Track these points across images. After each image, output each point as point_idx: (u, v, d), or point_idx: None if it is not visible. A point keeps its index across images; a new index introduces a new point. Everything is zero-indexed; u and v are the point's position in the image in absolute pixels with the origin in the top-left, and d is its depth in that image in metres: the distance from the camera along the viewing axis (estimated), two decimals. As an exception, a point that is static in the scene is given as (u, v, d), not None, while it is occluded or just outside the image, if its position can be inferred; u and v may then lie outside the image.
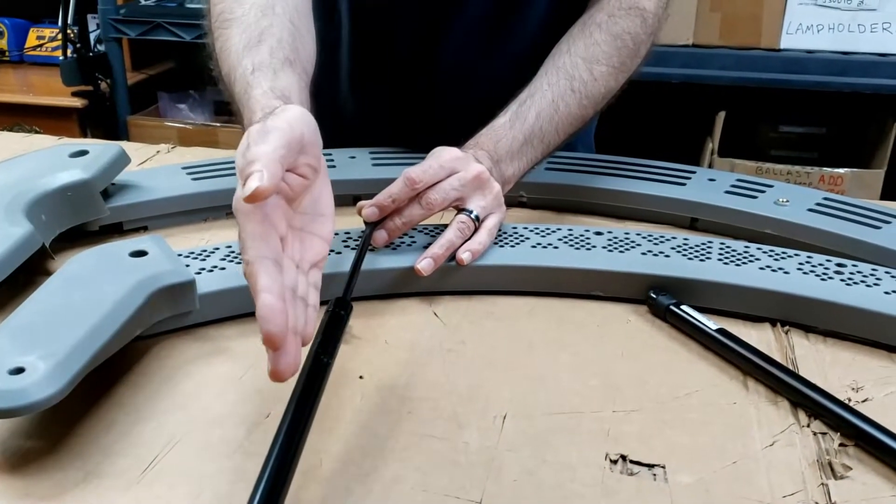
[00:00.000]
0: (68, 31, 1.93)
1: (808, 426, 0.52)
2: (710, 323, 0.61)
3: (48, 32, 2.32)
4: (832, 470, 0.48)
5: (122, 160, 0.78)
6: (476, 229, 0.68)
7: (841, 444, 0.50)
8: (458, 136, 0.74)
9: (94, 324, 0.52)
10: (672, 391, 0.56)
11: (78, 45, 1.91)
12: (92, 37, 2.19)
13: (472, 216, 0.68)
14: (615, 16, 0.76)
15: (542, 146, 0.74)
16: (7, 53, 2.34)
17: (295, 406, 0.45)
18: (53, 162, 0.76)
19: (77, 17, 1.90)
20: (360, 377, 0.56)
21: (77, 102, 1.98)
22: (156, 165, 0.94)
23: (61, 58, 1.92)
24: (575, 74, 0.74)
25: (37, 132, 1.96)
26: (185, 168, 0.85)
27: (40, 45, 2.30)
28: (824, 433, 0.52)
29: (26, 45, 2.34)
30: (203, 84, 2.24)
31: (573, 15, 0.81)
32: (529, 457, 0.49)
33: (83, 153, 0.77)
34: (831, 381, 0.57)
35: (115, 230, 0.77)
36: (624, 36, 0.76)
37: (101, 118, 2.01)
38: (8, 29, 2.33)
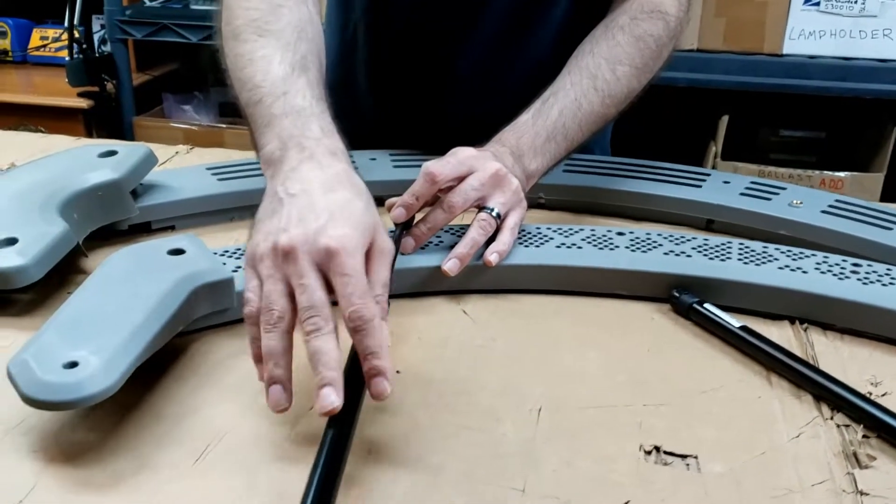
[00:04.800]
0: (73, 32, 1.94)
1: (832, 419, 0.54)
2: (734, 320, 0.63)
3: (51, 33, 2.32)
4: (857, 460, 0.50)
5: (150, 160, 0.79)
6: (498, 227, 0.70)
7: (864, 436, 0.52)
8: (475, 141, 0.75)
9: (141, 320, 0.54)
10: (698, 386, 0.58)
11: (84, 46, 1.92)
12: (96, 37, 2.20)
13: (493, 214, 0.69)
14: (638, 19, 0.78)
15: (566, 142, 0.75)
16: (10, 54, 2.35)
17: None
18: (83, 162, 0.77)
19: (82, 17, 1.90)
20: (398, 372, 0.57)
21: (83, 103, 1.99)
22: (175, 166, 0.95)
23: (67, 58, 1.93)
24: (598, 74, 0.76)
25: (41, 132, 1.97)
26: (209, 168, 0.86)
27: (44, 46, 2.31)
28: (847, 425, 0.54)
29: (30, 46, 2.34)
30: (207, 85, 2.25)
31: (589, 24, 0.83)
32: (566, 448, 0.51)
33: (112, 153, 0.78)
34: (851, 376, 0.59)
35: (143, 229, 0.79)
36: (646, 38, 0.77)
37: (106, 119, 2.02)
38: (11, 29, 2.34)
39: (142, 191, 0.79)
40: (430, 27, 0.87)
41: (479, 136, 0.76)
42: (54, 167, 0.76)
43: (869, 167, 1.81)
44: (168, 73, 2.26)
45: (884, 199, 1.71)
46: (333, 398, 0.45)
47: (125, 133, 2.02)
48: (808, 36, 1.72)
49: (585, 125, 0.76)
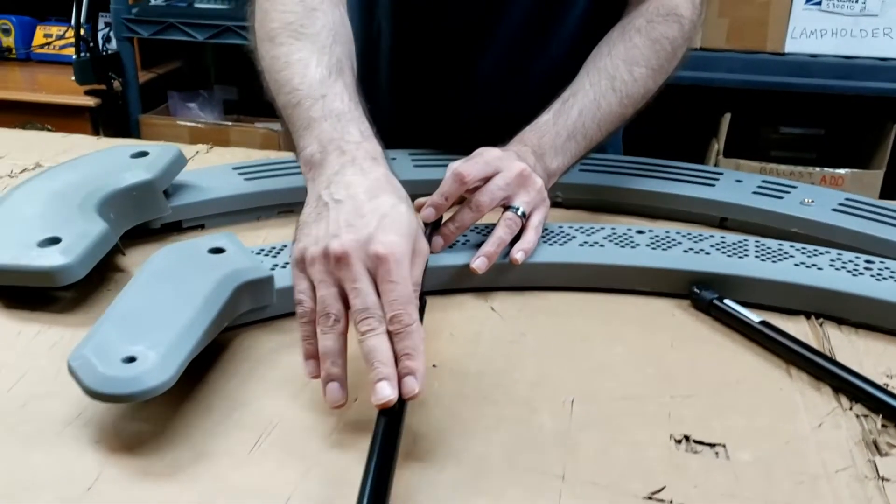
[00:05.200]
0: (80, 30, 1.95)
1: (851, 409, 0.57)
2: (753, 315, 0.66)
3: (55, 30, 2.33)
4: (877, 448, 0.53)
5: (181, 161, 0.81)
6: (523, 225, 0.72)
7: (883, 425, 0.55)
8: (493, 140, 0.77)
9: (191, 316, 0.56)
10: (722, 378, 0.60)
11: (91, 45, 1.93)
12: (100, 35, 2.21)
13: (519, 213, 0.71)
14: (654, 21, 0.80)
15: (585, 142, 0.78)
16: (14, 51, 2.36)
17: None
18: (116, 163, 0.79)
19: (89, 16, 1.92)
20: (434, 366, 0.60)
21: (90, 101, 2.01)
22: (197, 166, 0.97)
23: (74, 57, 1.94)
24: (616, 75, 0.78)
25: (49, 130, 1.98)
26: (235, 168, 0.88)
27: (48, 44, 2.32)
28: (866, 415, 0.56)
29: (33, 43, 2.35)
30: (211, 83, 2.27)
31: (606, 25, 0.85)
32: (600, 437, 0.53)
33: (144, 154, 0.80)
34: (867, 368, 0.61)
35: (174, 228, 0.81)
36: (662, 40, 0.80)
37: (112, 117, 2.03)
38: (15, 27, 2.34)
39: (172, 190, 0.81)
40: (451, 30, 0.89)
41: (497, 136, 0.78)
42: (89, 168, 0.78)
43: (869, 164, 1.84)
44: (172, 71, 2.28)
45: (883, 195, 1.74)
46: (388, 391, 0.48)
47: (131, 131, 2.04)
48: (809, 35, 1.74)
49: (604, 125, 0.78)
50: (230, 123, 2.08)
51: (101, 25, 2.24)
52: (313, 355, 0.53)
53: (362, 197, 0.56)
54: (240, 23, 1.93)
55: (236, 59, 2.27)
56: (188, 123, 2.04)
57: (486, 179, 0.71)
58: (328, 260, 0.54)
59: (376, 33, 0.93)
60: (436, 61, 0.92)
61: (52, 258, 0.65)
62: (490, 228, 0.72)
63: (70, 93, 2.04)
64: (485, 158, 0.72)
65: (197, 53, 2.31)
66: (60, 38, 2.30)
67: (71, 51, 2.08)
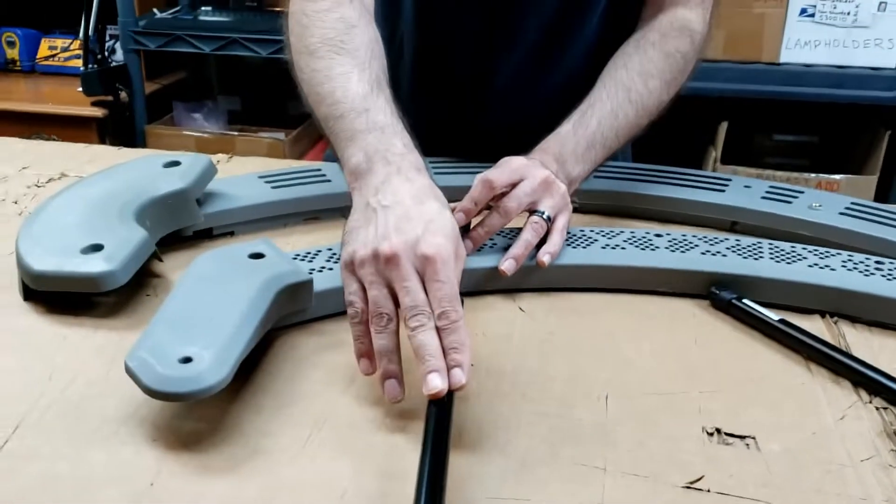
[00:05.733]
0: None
1: (870, 402, 0.60)
2: (772, 314, 0.69)
3: (60, 42, 2.35)
4: (898, 438, 0.56)
5: (211, 170, 0.84)
6: (548, 229, 0.75)
7: (903, 417, 0.58)
8: (509, 150, 0.79)
9: (239, 318, 0.58)
10: (746, 374, 0.63)
11: (99, 57, 1.95)
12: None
13: (545, 217, 0.74)
14: (668, 36, 0.83)
15: (604, 150, 0.81)
16: (18, 63, 2.37)
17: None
18: (150, 172, 0.81)
19: (96, 28, 1.94)
20: (471, 364, 0.62)
21: (98, 112, 2.03)
22: (219, 175, 0.99)
23: (82, 68, 1.96)
24: (632, 87, 0.81)
25: (54, 140, 2.00)
26: (261, 177, 0.91)
27: (52, 56, 2.34)
28: (885, 408, 0.59)
29: (38, 56, 2.37)
30: (214, 94, 2.29)
31: (620, 39, 0.88)
32: (636, 430, 0.56)
33: (176, 164, 0.82)
34: (882, 363, 0.64)
35: (205, 235, 0.83)
36: (675, 54, 0.83)
37: (118, 127, 2.05)
38: (20, 39, 2.36)
39: (203, 199, 0.83)
40: (472, 42, 0.92)
41: (514, 145, 0.80)
42: (124, 177, 0.80)
43: (862, 170, 1.88)
44: (176, 82, 2.30)
45: (877, 200, 1.78)
46: (438, 382, 0.51)
47: (137, 141, 2.06)
48: (803, 45, 1.79)
49: (621, 134, 0.81)
50: (235, 133, 2.11)
51: (106, 37, 2.26)
52: (366, 354, 0.56)
53: (409, 202, 0.59)
54: (245, 35, 1.96)
55: (239, 69, 2.30)
56: (194, 133, 2.07)
57: (513, 186, 0.74)
58: (378, 261, 0.56)
59: (398, 44, 0.96)
60: (456, 72, 0.94)
61: (96, 264, 0.67)
62: (515, 232, 0.75)
63: (76, 104, 2.06)
64: (511, 166, 0.75)
65: (200, 64, 2.33)
66: (65, 50, 2.31)
67: (75, 62, 2.10)
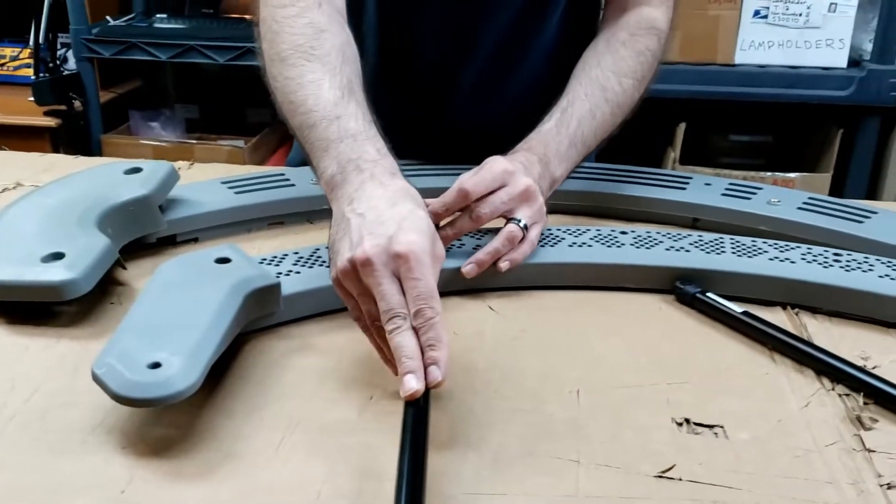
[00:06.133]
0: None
1: (833, 390, 0.61)
2: (735, 307, 0.70)
3: (9, 51, 2.30)
4: (861, 423, 0.57)
5: (173, 176, 0.83)
6: (523, 237, 0.74)
7: (865, 402, 0.59)
8: (477, 151, 0.79)
9: (208, 323, 0.58)
10: (713, 365, 0.64)
11: (51, 65, 1.92)
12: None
13: (521, 225, 0.73)
14: (636, 35, 0.84)
15: (584, 149, 0.81)
16: (-34, 73, 2.32)
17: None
18: (110, 179, 0.80)
19: (47, 36, 1.90)
20: (448, 362, 0.62)
21: (51, 122, 1.99)
22: (181, 182, 0.98)
23: (33, 78, 1.93)
24: (607, 86, 0.82)
25: (3, 150, 1.96)
26: (224, 182, 0.90)
27: (2, 65, 2.29)
28: (848, 394, 0.60)
29: (-13, 65, 2.32)
30: (171, 102, 2.26)
31: (579, 43, 0.89)
32: (608, 423, 0.56)
33: (137, 170, 0.81)
34: (843, 352, 0.65)
35: (169, 242, 0.82)
36: (646, 52, 0.84)
37: (72, 137, 2.01)
38: (-33, 48, 2.31)
39: (166, 205, 0.82)
40: (434, 46, 0.92)
41: (480, 146, 0.80)
42: (84, 185, 0.79)
43: (816, 168, 1.93)
44: (132, 90, 2.27)
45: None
46: (414, 383, 0.51)
47: (93, 151, 2.02)
48: (757, 47, 1.83)
49: (598, 133, 0.82)
50: (194, 142, 2.08)
51: (57, 46, 2.22)
52: (389, 360, 0.56)
53: (382, 206, 0.59)
54: (202, 42, 1.94)
55: (196, 77, 2.28)
56: (151, 142, 2.04)
57: (491, 192, 0.73)
58: (356, 270, 0.56)
59: (362, 46, 0.95)
60: (420, 74, 0.94)
61: (58, 273, 0.66)
62: (487, 234, 0.75)
63: (28, 113, 2.02)
64: (493, 172, 0.73)
65: (156, 72, 2.30)
66: (15, 59, 2.27)
67: (26, 71, 2.06)
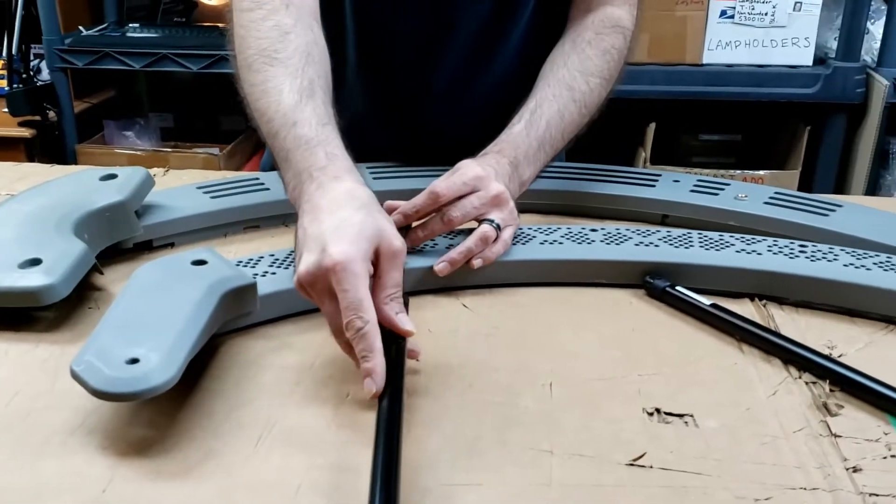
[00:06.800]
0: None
1: (800, 378, 0.63)
2: (704, 299, 0.72)
3: (-20, 63, 2.28)
4: (827, 409, 0.59)
5: (149, 182, 0.83)
6: (496, 237, 0.74)
7: (830, 390, 0.61)
8: (449, 151, 0.81)
9: (184, 322, 0.59)
10: (682, 357, 0.66)
11: (24, 76, 1.91)
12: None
13: (494, 225, 0.74)
14: (602, 34, 0.86)
15: (552, 151, 0.82)
16: (-64, 84, 2.29)
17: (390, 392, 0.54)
18: (86, 185, 0.81)
19: (20, 47, 1.90)
20: (416, 360, 0.63)
21: (25, 132, 1.98)
22: (156, 189, 0.99)
23: (6, 89, 1.92)
24: (574, 86, 0.83)
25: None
26: (199, 188, 0.90)
27: (-27, 77, 2.27)
28: (814, 382, 0.62)
29: (-43, 76, 2.30)
30: (145, 111, 2.26)
31: (547, 40, 0.90)
32: (581, 415, 0.58)
33: (113, 177, 0.82)
34: (809, 341, 0.67)
35: (145, 247, 0.82)
36: (611, 51, 0.86)
37: (47, 147, 2.01)
38: (-62, 60, 2.28)
39: (142, 211, 0.83)
40: (410, 44, 0.92)
41: (452, 146, 0.82)
42: (60, 191, 0.79)
43: (785, 165, 1.96)
44: (106, 100, 2.26)
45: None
46: (372, 385, 0.54)
47: (68, 160, 2.01)
48: (725, 46, 1.86)
49: (566, 133, 0.83)
50: (169, 150, 2.08)
51: (30, 56, 2.21)
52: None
53: (323, 216, 0.60)
54: (175, 50, 1.94)
55: (170, 86, 2.27)
56: (126, 151, 2.03)
57: (462, 196, 0.74)
58: (304, 290, 0.59)
59: (343, 48, 0.95)
60: (395, 74, 0.95)
61: (35, 278, 0.66)
62: (460, 234, 0.76)
63: (2, 124, 2.01)
64: (465, 177, 0.74)
65: (130, 82, 2.29)
66: (-13, 70, 2.25)
67: (0, 83, 2.05)
